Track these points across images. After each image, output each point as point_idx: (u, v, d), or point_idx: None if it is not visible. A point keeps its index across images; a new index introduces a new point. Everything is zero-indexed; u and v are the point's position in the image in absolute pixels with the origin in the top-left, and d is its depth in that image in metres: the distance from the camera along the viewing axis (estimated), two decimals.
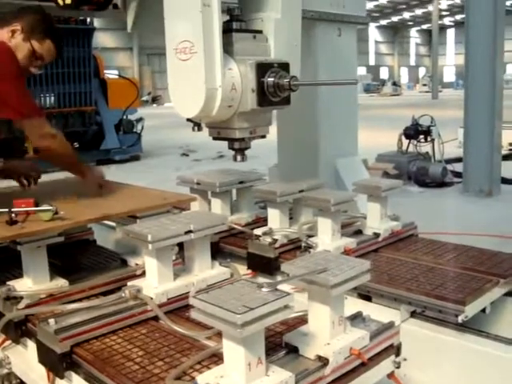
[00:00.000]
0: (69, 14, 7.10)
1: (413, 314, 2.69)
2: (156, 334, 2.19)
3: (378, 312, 2.61)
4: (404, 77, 69.51)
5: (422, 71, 70.01)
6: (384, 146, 9.81)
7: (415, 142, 8.77)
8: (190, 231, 2.39)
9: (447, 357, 2.52)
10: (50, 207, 2.50)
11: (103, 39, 32.31)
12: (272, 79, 2.72)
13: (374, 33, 65.23)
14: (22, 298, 2.41)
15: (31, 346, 2.34)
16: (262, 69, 2.71)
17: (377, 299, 2.72)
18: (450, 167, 8.45)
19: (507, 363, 2.40)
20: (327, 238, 2.95)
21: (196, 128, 3.16)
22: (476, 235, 5.48)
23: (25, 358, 2.40)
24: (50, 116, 11.09)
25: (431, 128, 8.65)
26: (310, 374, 1.71)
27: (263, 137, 3.01)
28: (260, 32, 2.91)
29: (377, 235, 3.18)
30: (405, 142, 8.80)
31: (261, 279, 2.89)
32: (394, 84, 50.71)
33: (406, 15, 61.28)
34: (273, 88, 2.73)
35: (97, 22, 14.05)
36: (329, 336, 1.82)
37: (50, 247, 2.56)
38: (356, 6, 4.93)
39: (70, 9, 2.86)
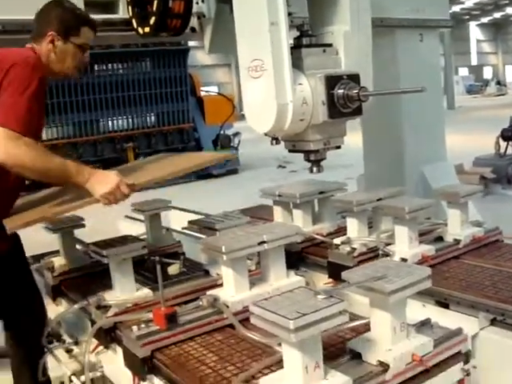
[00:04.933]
0: (149, 41, 7.44)
1: (493, 322, 2.65)
2: (231, 341, 2.30)
3: (456, 320, 2.60)
4: (510, 75, 66.52)
5: None
6: (484, 149, 9.50)
7: None
8: (264, 242, 2.49)
9: None
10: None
11: (202, 57, 33.27)
12: (342, 91, 2.77)
13: (475, 31, 62.95)
14: (110, 306, 2.61)
15: (120, 351, 2.52)
16: (332, 81, 2.77)
17: (454, 307, 2.70)
18: None
19: None
20: (405, 245, 2.96)
21: (274, 142, 3.26)
22: None
23: (114, 362, 2.59)
24: (150, 135, 11.64)
25: None
26: (369, 378, 1.76)
27: (338, 147, 3.06)
28: (330, 45, 2.97)
29: (457, 241, 3.14)
30: (503, 144, 8.49)
31: None
32: (499, 83, 48.66)
33: (510, 10, 58.63)
34: (342, 99, 2.78)
35: (195, 42, 14.56)
36: (390, 342, 1.86)
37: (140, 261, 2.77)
38: (438, 9, 4.88)
39: (150, 36, 3.05)
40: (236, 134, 13.06)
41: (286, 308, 1.64)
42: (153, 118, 11.89)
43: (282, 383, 1.69)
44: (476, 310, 2.61)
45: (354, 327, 2.16)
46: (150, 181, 2.90)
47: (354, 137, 5.12)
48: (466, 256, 3.13)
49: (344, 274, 1.92)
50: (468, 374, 2.06)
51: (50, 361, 3.20)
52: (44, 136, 9.53)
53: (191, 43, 12.54)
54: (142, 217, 4.00)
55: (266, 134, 3.07)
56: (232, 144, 13.08)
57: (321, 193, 3.62)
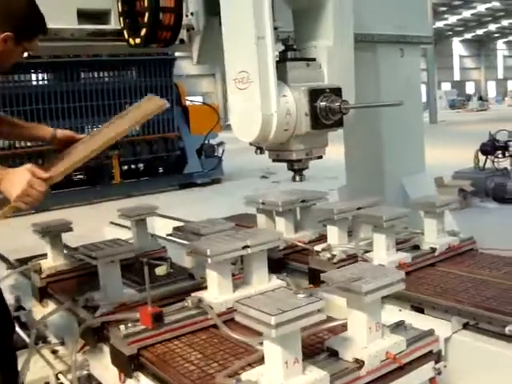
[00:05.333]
0: (140, 51, 7.54)
1: (465, 326, 2.78)
2: (214, 340, 2.40)
3: (430, 324, 2.70)
4: (491, 91, 67.46)
5: (511, 84, 67.73)
6: (464, 163, 9.68)
7: (493, 158, 8.64)
8: (247, 246, 2.59)
9: (496, 368, 2.59)
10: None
11: (187, 67, 33.40)
12: (324, 103, 2.89)
13: (458, 47, 63.82)
14: (98, 307, 2.69)
15: (106, 350, 2.60)
16: (315, 94, 2.89)
17: (429, 311, 2.82)
18: None
19: None
20: (382, 252, 3.08)
21: (259, 151, 3.37)
22: None
23: (101, 361, 2.67)
24: (135, 143, 11.70)
25: (509, 143, 8.50)
26: (345, 374, 1.87)
27: (320, 157, 3.18)
28: (313, 60, 3.09)
29: (433, 250, 3.27)
30: (482, 158, 8.69)
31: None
32: (481, 99, 49.25)
33: (492, 27, 59.57)
34: (325, 112, 2.90)
35: (180, 52, 14.65)
36: (366, 340, 1.97)
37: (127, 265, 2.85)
38: (419, 26, 5.03)
39: (141, 47, 3.15)
40: (220, 144, 13.17)
41: (268, 306, 1.74)
42: (137, 126, 11.95)
43: (263, 378, 1.79)
44: (449, 315, 2.74)
45: (332, 328, 2.27)
46: (74, 165, 2.62)
47: (341, 150, 5.27)
48: (441, 264, 3.27)
49: (323, 276, 2.03)
50: (439, 373, 2.18)
51: (35, 361, 3.28)
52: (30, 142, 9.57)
53: (177, 53, 12.66)
54: (127, 223, 4.09)
55: (251, 144, 3.19)
56: (216, 153, 13.19)
57: (303, 201, 3.74)
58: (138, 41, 3.11)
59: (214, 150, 13.11)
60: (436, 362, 2.16)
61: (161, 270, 3.10)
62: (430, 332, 2.19)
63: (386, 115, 4.83)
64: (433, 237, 3.32)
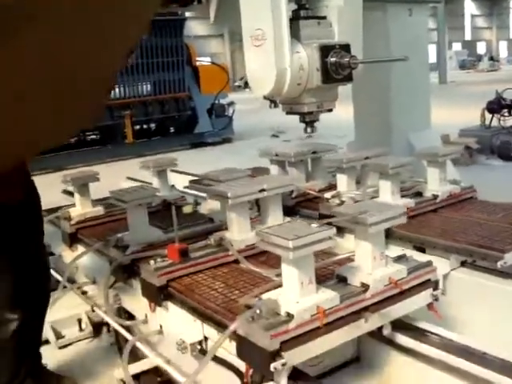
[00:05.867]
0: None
1: (463, 264, 3.04)
2: (235, 273, 2.67)
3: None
4: (503, 51, 66.66)
5: None
6: (472, 122, 9.82)
7: (499, 116, 8.81)
8: (264, 190, 2.85)
9: (491, 301, 2.85)
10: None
11: (196, 28, 33.31)
12: (334, 59, 3.10)
13: (469, 6, 62.91)
14: (128, 246, 2.97)
15: (136, 285, 2.88)
16: (325, 50, 3.09)
17: (430, 251, 3.08)
18: None
19: None
20: (388, 198, 3.33)
21: (272, 105, 3.60)
22: None
23: (131, 295, 2.96)
24: (146, 103, 11.90)
25: None
26: (353, 296, 2.14)
27: (330, 110, 3.40)
28: (324, 18, 3.29)
29: (435, 197, 3.52)
30: (488, 116, 8.85)
31: None
32: (491, 59, 48.81)
33: None
34: (335, 67, 3.11)
35: (190, 13, 14.68)
36: (371, 268, 2.23)
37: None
38: None
39: (163, 7, 3.36)
40: (230, 104, 13.34)
41: (286, 233, 2.00)
42: (149, 86, 12.12)
43: (281, 296, 2.06)
44: (448, 253, 3.00)
45: (340, 261, 2.52)
46: None
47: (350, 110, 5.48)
48: (442, 209, 3.52)
49: (333, 211, 2.29)
50: (436, 299, 2.44)
51: (67, 300, 3.58)
52: None
53: (186, 14, 12.73)
54: (144, 177, 4.32)
55: (265, 98, 3.41)
56: (226, 113, 13.37)
57: (314, 153, 3.98)
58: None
59: (225, 109, 13.28)
60: (434, 290, 2.42)
61: (187, 209, 3.34)
62: (429, 263, 2.45)
63: (394, 73, 5.03)
64: (435, 185, 3.56)
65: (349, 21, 3.35)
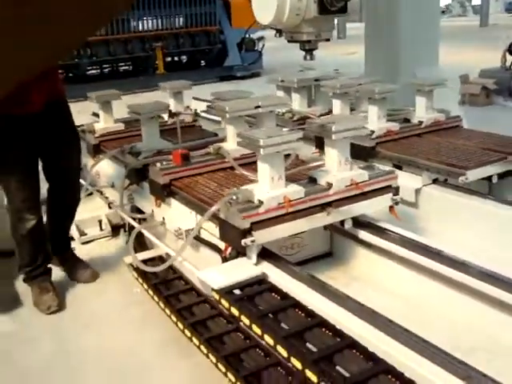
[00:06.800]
0: None
1: (435, 181, 3.42)
2: (229, 176, 3.09)
3: (406, 178, 3.38)
4: None
5: None
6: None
7: None
8: (259, 106, 3.24)
9: (457, 213, 3.24)
10: None
11: None
12: None
13: None
14: (140, 152, 3.41)
15: (146, 186, 3.33)
16: None
17: (406, 168, 3.46)
18: None
19: (500, 218, 3.09)
20: (374, 121, 3.69)
21: (278, 34, 3.95)
22: None
23: (142, 195, 3.42)
24: (178, 36, 12.18)
25: None
26: (317, 191, 2.56)
27: (327, 40, 3.73)
28: None
29: (420, 123, 3.86)
30: (510, 58, 8.94)
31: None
32: None
33: None
34: None
35: None
36: (336, 170, 2.64)
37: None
38: None
39: None
40: (260, 39, 13.51)
41: (261, 134, 2.41)
42: (181, 19, 12.37)
43: (256, 189, 2.49)
44: (420, 170, 3.38)
45: (315, 167, 2.90)
46: None
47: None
48: (426, 134, 3.87)
49: (308, 120, 2.69)
50: (397, 203, 2.83)
51: (90, 203, 4.08)
52: None
53: None
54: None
55: (272, 28, 3.76)
56: (256, 48, 13.56)
57: (316, 80, 4.33)
58: None
59: (255, 44, 13.47)
60: (394, 195, 2.82)
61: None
62: (391, 171, 2.85)
63: (404, 10, 5.29)
64: (422, 112, 3.90)
65: None
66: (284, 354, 1.87)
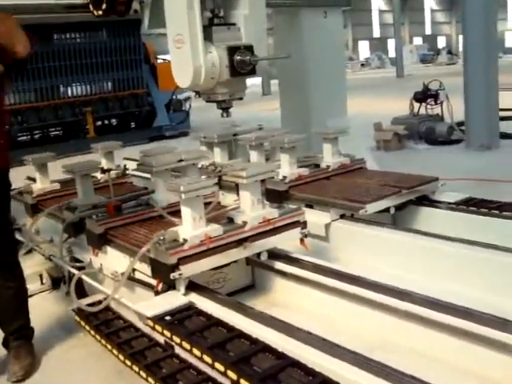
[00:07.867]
0: (102, 19, 8.43)
1: (343, 216, 3.89)
2: (158, 223, 3.46)
3: (318, 215, 3.84)
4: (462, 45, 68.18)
5: None
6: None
7: (426, 105, 9.74)
8: (182, 160, 3.64)
9: (363, 243, 3.70)
10: None
11: None
12: (239, 57, 3.90)
13: (429, 1, 64.47)
14: (76, 208, 3.74)
15: (84, 238, 3.64)
16: (232, 50, 3.89)
17: (316, 206, 3.93)
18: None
19: (400, 243, 3.57)
20: (287, 168, 4.16)
21: (197, 95, 4.40)
22: (466, 179, 6.37)
23: (80, 246, 3.73)
24: (107, 100, 12.58)
25: (439, 91, 9.59)
26: (234, 229, 2.97)
27: (240, 99, 4.21)
28: (234, 24, 4.10)
29: (328, 167, 4.36)
30: (417, 105, 9.79)
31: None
32: (450, 53, 50.26)
33: None
34: (240, 63, 3.92)
35: None
36: (250, 210, 3.06)
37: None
38: None
39: (102, 17, 4.14)
40: (187, 99, 14.10)
41: (182, 182, 2.82)
42: (109, 84, 12.81)
43: (180, 229, 2.87)
44: (328, 207, 3.85)
45: (233, 209, 3.32)
46: None
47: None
48: (334, 177, 4.37)
49: (223, 170, 3.11)
50: (306, 236, 3.27)
51: (29, 260, 4.34)
52: (7, 101, 10.42)
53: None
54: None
55: (188, 89, 4.22)
56: (183, 108, 14.12)
57: (235, 135, 4.79)
58: (100, 12, 4.10)
59: (182, 104, 14.03)
60: (302, 229, 3.25)
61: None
62: (298, 208, 3.29)
63: (313, 68, 5.88)
64: (329, 157, 4.41)
65: (254, 26, 4.17)
66: (209, 361, 2.23)
